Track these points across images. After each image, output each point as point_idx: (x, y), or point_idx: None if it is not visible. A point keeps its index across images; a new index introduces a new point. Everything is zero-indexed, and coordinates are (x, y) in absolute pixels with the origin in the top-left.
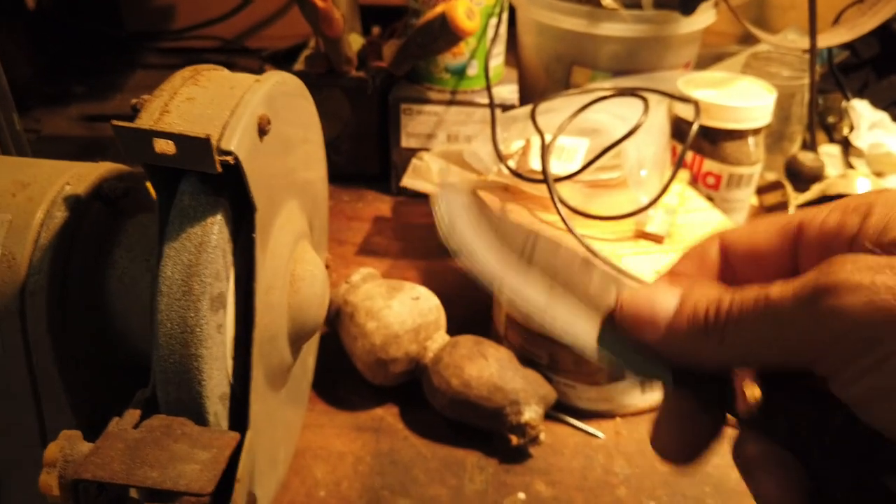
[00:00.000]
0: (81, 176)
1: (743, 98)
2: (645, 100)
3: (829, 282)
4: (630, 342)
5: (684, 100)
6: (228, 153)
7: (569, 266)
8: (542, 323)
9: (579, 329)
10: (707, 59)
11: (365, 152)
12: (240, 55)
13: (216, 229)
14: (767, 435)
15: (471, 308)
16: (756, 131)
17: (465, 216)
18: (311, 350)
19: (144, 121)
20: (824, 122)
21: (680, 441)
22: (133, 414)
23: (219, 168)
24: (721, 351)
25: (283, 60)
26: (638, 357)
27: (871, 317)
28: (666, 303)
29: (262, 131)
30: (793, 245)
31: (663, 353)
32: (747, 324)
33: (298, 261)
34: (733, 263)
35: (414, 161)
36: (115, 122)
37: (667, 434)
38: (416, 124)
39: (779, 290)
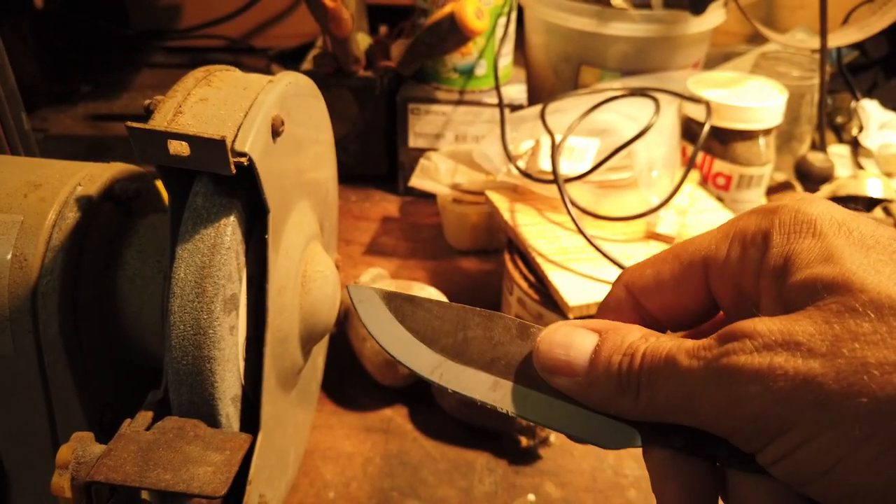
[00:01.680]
0: (93, 177)
1: (754, 98)
2: (656, 100)
3: (731, 366)
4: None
5: (695, 100)
6: (243, 154)
7: (506, 337)
8: (493, 405)
9: (532, 405)
10: (715, 59)
11: (372, 152)
12: (246, 54)
13: (229, 231)
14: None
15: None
16: (767, 132)
17: (387, 314)
18: (320, 350)
19: (158, 122)
20: (833, 123)
21: (687, 499)
22: (145, 416)
23: (233, 170)
24: (638, 408)
25: (289, 60)
26: (597, 420)
27: (774, 407)
28: (583, 347)
29: (276, 132)
30: (702, 279)
31: (583, 403)
32: (658, 386)
33: (310, 262)
34: (644, 304)
35: (422, 161)
36: (130, 124)
37: (670, 499)
38: (423, 124)
39: (686, 359)
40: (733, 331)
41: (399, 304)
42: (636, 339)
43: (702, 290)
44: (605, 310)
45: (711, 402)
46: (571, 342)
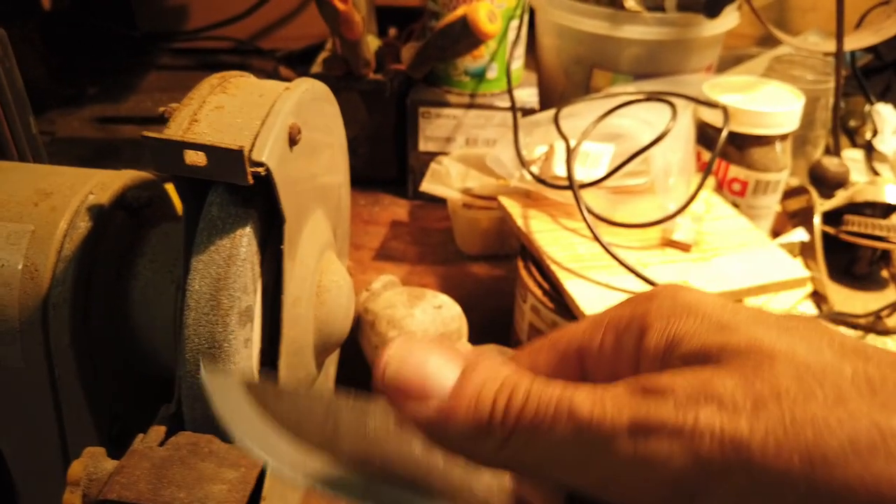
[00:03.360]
0: (105, 185)
1: (770, 103)
2: (672, 105)
3: (650, 419)
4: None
5: (712, 105)
6: (260, 164)
7: (382, 430)
8: None
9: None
10: (727, 62)
11: (382, 156)
12: (254, 56)
13: (245, 241)
14: None
15: (491, 315)
16: (784, 137)
17: (246, 406)
18: (332, 359)
19: (174, 131)
20: (846, 127)
21: None
22: (158, 431)
23: (250, 180)
24: (500, 456)
25: (297, 62)
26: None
27: (695, 468)
28: (442, 376)
29: (293, 141)
30: (578, 370)
31: (429, 439)
32: (541, 435)
33: (324, 271)
34: None
35: (433, 165)
36: (146, 133)
37: None
38: (434, 128)
39: (588, 407)
40: (648, 382)
41: (261, 394)
42: (515, 374)
43: (578, 381)
44: None
45: (614, 460)
46: (429, 367)
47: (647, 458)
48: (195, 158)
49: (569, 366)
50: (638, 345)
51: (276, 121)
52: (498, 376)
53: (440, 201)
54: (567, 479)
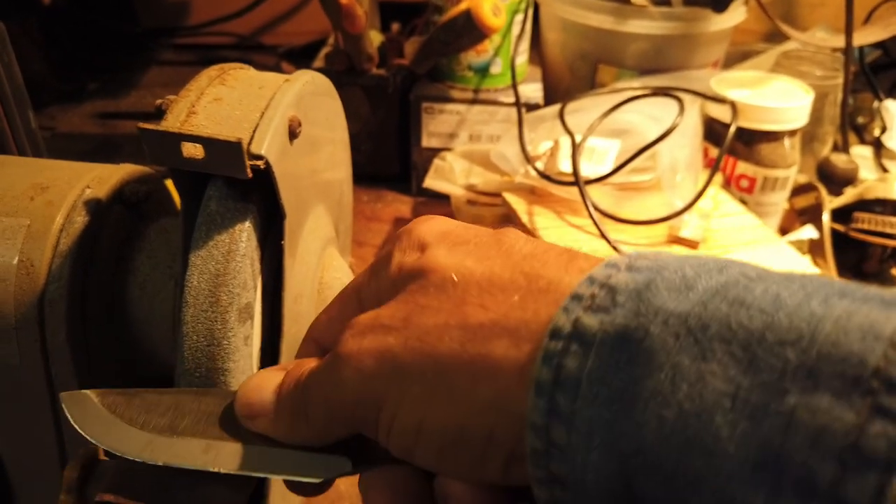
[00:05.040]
0: (102, 179)
1: (779, 98)
2: (680, 100)
3: (335, 355)
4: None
5: (720, 100)
6: (259, 157)
7: (218, 406)
8: (206, 467)
9: (243, 457)
10: (734, 58)
11: (385, 152)
12: (256, 52)
13: (244, 237)
14: None
15: None
16: (792, 133)
17: (100, 410)
18: None
19: (171, 123)
20: (854, 123)
21: None
22: None
23: (249, 173)
24: (312, 430)
25: (299, 57)
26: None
27: (365, 386)
28: (272, 384)
29: (293, 134)
30: (358, 307)
31: (280, 441)
32: (311, 398)
33: (326, 268)
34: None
35: (436, 161)
36: (142, 125)
37: None
38: (437, 123)
39: (317, 361)
40: (349, 322)
41: (112, 400)
42: (305, 365)
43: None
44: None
45: (332, 397)
46: (262, 383)
47: (338, 387)
48: (192, 151)
49: (351, 305)
50: (387, 274)
51: (276, 113)
52: (297, 373)
53: (444, 198)
54: (343, 429)
